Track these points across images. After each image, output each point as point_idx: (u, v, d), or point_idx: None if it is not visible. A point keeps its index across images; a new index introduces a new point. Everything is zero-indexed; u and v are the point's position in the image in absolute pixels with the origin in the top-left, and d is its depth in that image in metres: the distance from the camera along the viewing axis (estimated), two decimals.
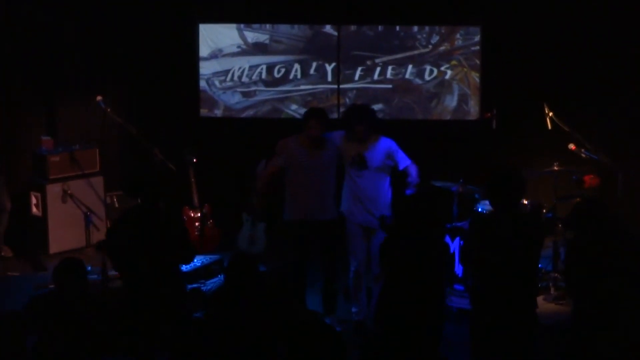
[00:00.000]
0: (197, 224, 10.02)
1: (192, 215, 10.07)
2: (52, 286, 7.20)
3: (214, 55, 11.77)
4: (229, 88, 11.82)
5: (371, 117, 8.67)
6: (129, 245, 6.84)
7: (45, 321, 6.41)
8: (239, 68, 11.79)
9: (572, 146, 9.39)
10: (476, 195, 9.34)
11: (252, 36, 11.75)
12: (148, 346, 6.87)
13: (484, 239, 6.32)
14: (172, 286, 6.99)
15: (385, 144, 8.59)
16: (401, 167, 8.51)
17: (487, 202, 8.40)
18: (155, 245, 6.81)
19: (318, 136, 8.58)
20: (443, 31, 11.61)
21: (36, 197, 10.13)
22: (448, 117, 11.68)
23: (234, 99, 11.84)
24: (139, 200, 7.03)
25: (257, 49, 11.75)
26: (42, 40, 10.94)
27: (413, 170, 8.44)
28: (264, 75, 11.78)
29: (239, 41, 11.75)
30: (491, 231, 6.31)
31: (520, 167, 9.90)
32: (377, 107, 11.22)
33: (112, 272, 8.40)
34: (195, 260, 8.69)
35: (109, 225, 8.64)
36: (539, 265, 8.91)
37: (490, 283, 6.27)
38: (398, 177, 8.53)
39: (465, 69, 11.61)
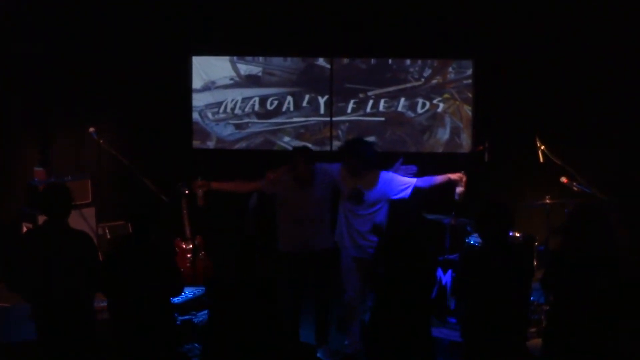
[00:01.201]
0: (189, 255, 9.99)
1: (184, 246, 10.05)
2: None
3: (207, 87, 11.79)
4: (222, 120, 11.83)
5: (366, 151, 8.69)
6: (120, 276, 6.77)
7: None
8: (232, 100, 11.81)
9: (564, 179, 9.38)
10: (468, 228, 9.35)
11: (245, 68, 11.78)
12: None
13: (475, 271, 6.33)
14: (163, 318, 6.94)
15: (383, 177, 8.60)
16: (408, 188, 8.52)
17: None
18: (145, 276, 6.74)
19: (306, 175, 8.56)
20: (435, 64, 11.65)
21: (28, 228, 10.10)
22: (440, 150, 11.70)
23: (227, 131, 11.85)
24: (130, 231, 7.01)
25: (250, 81, 11.78)
26: (35, 72, 10.94)
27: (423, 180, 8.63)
28: (256, 108, 11.81)
29: (232, 73, 11.78)
30: (481, 264, 6.33)
31: (512, 200, 10.00)
32: (369, 139, 11.26)
33: (100, 304, 8.37)
34: (186, 292, 8.68)
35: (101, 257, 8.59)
36: (531, 298, 8.94)
37: (481, 315, 6.28)
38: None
39: (457, 102, 11.64)
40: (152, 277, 6.77)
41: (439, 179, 8.70)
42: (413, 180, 8.63)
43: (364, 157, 8.61)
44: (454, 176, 8.70)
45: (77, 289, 6.79)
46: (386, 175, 8.67)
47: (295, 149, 9.24)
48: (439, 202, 9.54)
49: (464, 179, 8.71)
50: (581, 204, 7.79)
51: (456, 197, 8.73)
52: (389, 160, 9.18)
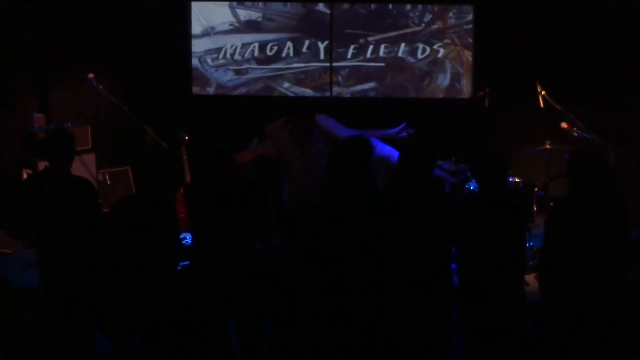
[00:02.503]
0: None
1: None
2: None
3: (206, 33, 11.76)
4: (221, 66, 11.81)
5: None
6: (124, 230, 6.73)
7: None
8: (232, 46, 11.78)
9: (564, 125, 9.40)
10: (468, 174, 9.38)
11: (244, 14, 11.74)
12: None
13: (471, 218, 6.34)
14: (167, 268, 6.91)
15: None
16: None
17: None
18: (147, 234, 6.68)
19: (306, 139, 8.50)
20: (436, 9, 11.61)
21: (27, 174, 10.13)
22: (441, 96, 11.70)
23: (227, 77, 11.84)
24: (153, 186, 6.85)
25: (250, 26, 11.74)
26: (32, 20, 10.91)
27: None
28: (256, 53, 11.78)
29: (232, 19, 11.74)
30: (477, 210, 6.33)
31: (512, 146, 10.04)
32: (369, 85, 11.32)
33: None
34: (187, 238, 8.69)
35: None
36: (531, 243, 9.00)
37: (476, 261, 6.29)
38: None
39: (458, 48, 11.62)
40: (153, 234, 6.69)
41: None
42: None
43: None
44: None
45: (79, 234, 6.80)
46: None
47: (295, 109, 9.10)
48: (439, 148, 9.57)
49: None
50: (580, 148, 7.78)
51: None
52: (388, 105, 9.22)
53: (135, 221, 6.68)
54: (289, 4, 11.70)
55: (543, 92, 9.58)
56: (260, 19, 11.75)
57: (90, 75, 9.80)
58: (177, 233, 6.96)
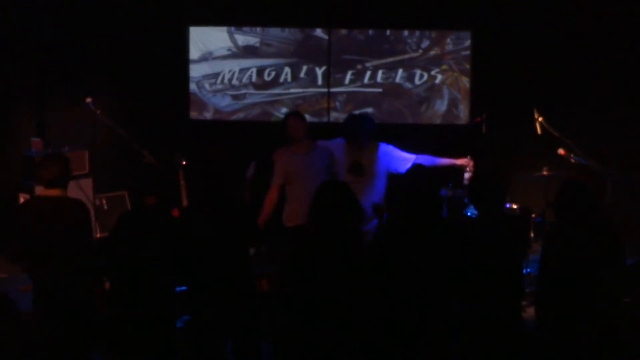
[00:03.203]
0: None
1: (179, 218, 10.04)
2: None
3: (204, 58, 11.79)
4: (219, 91, 11.84)
5: (367, 123, 8.90)
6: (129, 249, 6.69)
7: None
8: (229, 71, 11.81)
9: (561, 151, 9.43)
10: (465, 200, 9.38)
11: (242, 39, 11.78)
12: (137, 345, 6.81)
13: (469, 242, 6.31)
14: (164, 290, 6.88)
15: (383, 149, 8.75)
16: (407, 163, 8.60)
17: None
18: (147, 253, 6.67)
19: (300, 135, 8.64)
20: (433, 36, 11.65)
21: (25, 199, 10.12)
22: (438, 122, 11.72)
23: (224, 102, 11.86)
24: (149, 201, 6.86)
25: (248, 52, 11.78)
26: (31, 43, 10.96)
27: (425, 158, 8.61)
28: (254, 79, 11.81)
29: (230, 44, 11.78)
30: (475, 235, 6.31)
31: (510, 172, 10.04)
32: (367, 111, 11.30)
33: None
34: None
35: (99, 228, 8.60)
36: (527, 270, 8.98)
37: (475, 287, 6.27)
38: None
39: (455, 74, 11.65)
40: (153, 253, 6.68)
41: (443, 161, 8.85)
42: (412, 157, 8.78)
43: (367, 128, 8.80)
44: (460, 162, 8.88)
45: (74, 257, 6.79)
46: (386, 148, 8.85)
47: (288, 112, 9.34)
48: (436, 174, 9.58)
49: (471, 164, 8.87)
50: (567, 178, 7.79)
51: (465, 182, 8.85)
52: (386, 132, 9.24)
53: (137, 237, 6.68)
54: (286, 29, 11.75)
55: (540, 119, 9.60)
56: (258, 45, 11.79)
57: (88, 99, 9.79)
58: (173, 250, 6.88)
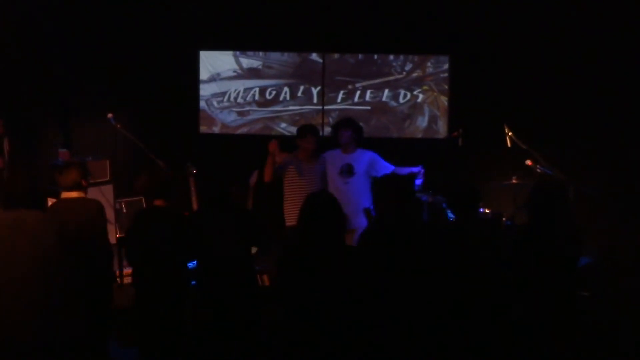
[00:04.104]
0: None
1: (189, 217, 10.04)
2: None
3: (213, 79, 11.81)
4: (226, 108, 11.85)
5: (357, 126, 9.00)
6: (148, 242, 6.68)
7: None
8: (235, 90, 11.83)
9: (528, 162, 9.39)
10: (444, 205, 9.39)
11: (246, 62, 11.80)
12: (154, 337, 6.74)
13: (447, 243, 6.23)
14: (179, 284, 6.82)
15: (368, 155, 8.82)
16: (387, 172, 8.62)
17: None
18: (168, 244, 6.66)
19: (314, 149, 8.70)
20: (416, 59, 11.67)
21: (51, 202, 10.11)
22: (419, 136, 11.74)
23: (230, 118, 11.87)
24: (162, 202, 6.85)
25: (251, 73, 11.80)
26: (59, 65, 11.01)
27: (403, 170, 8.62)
28: (256, 97, 11.83)
29: (235, 66, 11.80)
30: (455, 237, 6.21)
31: (483, 181, 10.05)
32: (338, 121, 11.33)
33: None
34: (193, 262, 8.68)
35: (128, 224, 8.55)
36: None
37: (454, 283, 6.14)
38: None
39: (435, 93, 11.67)
40: (172, 245, 6.67)
41: (405, 170, 8.84)
42: (392, 167, 8.81)
43: (355, 131, 8.92)
44: (415, 170, 8.89)
45: (90, 249, 6.77)
46: (372, 156, 8.89)
47: (306, 126, 9.15)
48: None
49: (422, 172, 8.91)
50: (542, 180, 7.79)
51: (416, 188, 8.88)
52: (374, 145, 9.25)
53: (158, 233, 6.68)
54: (285, 54, 11.77)
55: (510, 133, 9.59)
56: (260, 67, 11.80)
57: (110, 115, 9.79)
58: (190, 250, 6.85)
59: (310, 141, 8.69)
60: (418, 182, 8.85)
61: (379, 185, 6.35)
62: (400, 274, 5.73)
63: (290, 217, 8.70)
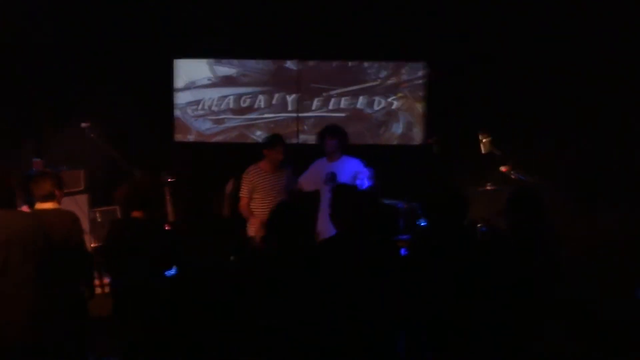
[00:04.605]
0: None
1: (168, 230, 10.04)
2: None
3: (188, 87, 11.81)
4: (201, 116, 11.85)
5: (342, 134, 9.09)
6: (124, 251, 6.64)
7: None
8: (210, 98, 11.83)
9: (503, 168, 9.44)
10: (419, 212, 9.40)
11: (221, 70, 11.80)
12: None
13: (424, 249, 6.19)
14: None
15: (353, 163, 8.87)
16: (365, 182, 8.72)
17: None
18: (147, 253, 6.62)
19: (280, 161, 8.81)
20: (391, 66, 11.71)
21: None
22: (395, 142, 11.78)
23: (205, 126, 11.87)
24: (141, 213, 6.79)
25: (226, 81, 11.80)
26: (32, 75, 10.95)
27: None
28: (231, 105, 11.83)
29: (210, 74, 11.80)
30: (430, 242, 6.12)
31: (458, 187, 10.06)
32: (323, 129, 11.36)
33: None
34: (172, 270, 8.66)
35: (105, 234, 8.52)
36: None
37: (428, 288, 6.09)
38: None
39: (410, 100, 11.72)
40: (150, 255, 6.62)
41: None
42: (368, 183, 8.90)
43: (343, 137, 9.06)
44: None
45: (67, 260, 6.72)
46: (357, 165, 8.98)
47: (275, 136, 9.35)
48: (394, 189, 9.63)
49: (370, 175, 8.99)
50: (519, 187, 7.82)
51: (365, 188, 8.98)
52: (349, 152, 9.27)
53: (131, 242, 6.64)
54: (261, 61, 11.78)
55: (484, 140, 9.64)
56: (235, 75, 11.81)
57: (84, 124, 9.76)
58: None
59: (280, 151, 8.82)
60: (367, 183, 8.86)
61: (336, 200, 6.30)
62: (360, 285, 5.64)
63: (253, 226, 8.82)
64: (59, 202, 6.93)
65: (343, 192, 6.29)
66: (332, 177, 8.83)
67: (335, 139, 9.01)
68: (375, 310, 5.60)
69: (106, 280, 8.50)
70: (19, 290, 6.00)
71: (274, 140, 9.05)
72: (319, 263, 5.67)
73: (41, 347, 6.23)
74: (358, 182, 8.85)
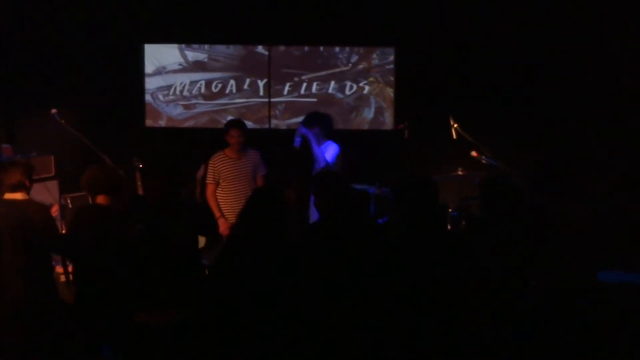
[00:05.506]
0: None
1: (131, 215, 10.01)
2: None
3: (158, 72, 11.76)
4: (172, 101, 11.82)
5: (321, 122, 9.10)
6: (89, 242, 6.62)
7: None
8: (181, 83, 11.80)
9: (474, 153, 9.48)
10: (390, 197, 9.44)
11: (192, 55, 11.76)
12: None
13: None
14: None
15: (325, 147, 8.88)
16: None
17: None
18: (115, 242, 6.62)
19: (239, 144, 8.85)
20: (361, 51, 11.72)
21: None
22: (366, 127, 11.80)
23: (176, 111, 11.84)
24: (105, 199, 6.78)
25: (197, 66, 11.77)
26: (1, 59, 10.88)
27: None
28: (202, 90, 11.80)
29: (180, 59, 11.76)
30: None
31: (429, 172, 10.11)
32: (303, 118, 11.35)
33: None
34: None
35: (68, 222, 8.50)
36: None
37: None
38: None
39: (381, 85, 11.73)
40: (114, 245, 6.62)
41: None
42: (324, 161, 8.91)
43: (324, 124, 9.09)
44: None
45: (39, 253, 6.72)
46: (329, 145, 9.05)
47: (231, 120, 9.57)
48: (365, 173, 9.67)
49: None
50: (489, 176, 7.86)
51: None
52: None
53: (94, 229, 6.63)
54: (231, 46, 11.75)
55: (455, 125, 9.66)
56: (206, 60, 11.78)
57: (53, 110, 9.68)
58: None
59: (235, 135, 8.92)
60: (326, 159, 8.89)
61: (317, 184, 6.31)
62: (343, 271, 5.62)
63: (227, 213, 8.88)
64: (28, 193, 6.88)
65: (325, 178, 6.33)
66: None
67: (315, 127, 9.01)
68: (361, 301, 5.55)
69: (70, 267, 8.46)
70: (10, 280, 6.01)
71: (228, 124, 9.20)
72: (289, 255, 5.63)
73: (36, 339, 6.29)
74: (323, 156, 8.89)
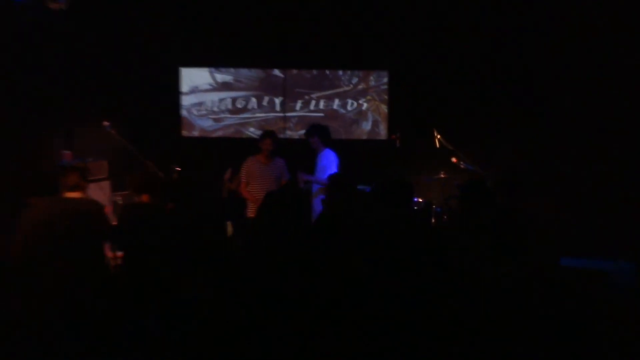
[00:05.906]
0: None
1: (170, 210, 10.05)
2: None
3: (192, 91, 11.82)
4: (203, 115, 11.87)
5: (319, 131, 9.16)
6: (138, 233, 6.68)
7: None
8: (211, 100, 11.85)
9: (454, 159, 9.54)
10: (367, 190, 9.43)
11: (220, 77, 11.82)
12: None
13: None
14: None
15: (323, 154, 8.91)
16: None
17: None
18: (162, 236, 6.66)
19: (269, 151, 8.89)
20: (361, 74, 11.77)
21: None
22: (364, 137, 11.85)
23: (207, 124, 11.89)
24: (148, 197, 6.87)
25: (224, 86, 11.82)
26: (63, 80, 10.96)
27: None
28: (229, 106, 11.85)
29: (211, 81, 11.82)
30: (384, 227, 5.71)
31: (416, 175, 10.17)
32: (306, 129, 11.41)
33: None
34: None
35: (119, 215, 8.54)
36: None
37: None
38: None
39: (377, 102, 11.77)
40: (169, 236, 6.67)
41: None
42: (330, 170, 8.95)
43: (321, 133, 9.13)
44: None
45: (91, 245, 6.72)
46: (327, 154, 9.09)
47: (266, 131, 9.57)
48: (363, 176, 9.73)
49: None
50: (469, 179, 7.88)
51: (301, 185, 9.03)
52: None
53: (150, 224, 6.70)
54: (253, 69, 11.81)
55: (438, 136, 9.72)
56: (232, 81, 11.83)
57: (106, 122, 9.76)
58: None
59: (266, 142, 9.01)
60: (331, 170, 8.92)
61: (330, 184, 6.36)
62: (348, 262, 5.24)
63: (251, 209, 8.91)
64: (84, 192, 6.92)
65: (337, 181, 6.36)
66: (307, 182, 8.96)
67: (313, 137, 9.08)
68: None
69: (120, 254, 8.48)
70: (66, 266, 6.02)
71: (263, 134, 9.25)
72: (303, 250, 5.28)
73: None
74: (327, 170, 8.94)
